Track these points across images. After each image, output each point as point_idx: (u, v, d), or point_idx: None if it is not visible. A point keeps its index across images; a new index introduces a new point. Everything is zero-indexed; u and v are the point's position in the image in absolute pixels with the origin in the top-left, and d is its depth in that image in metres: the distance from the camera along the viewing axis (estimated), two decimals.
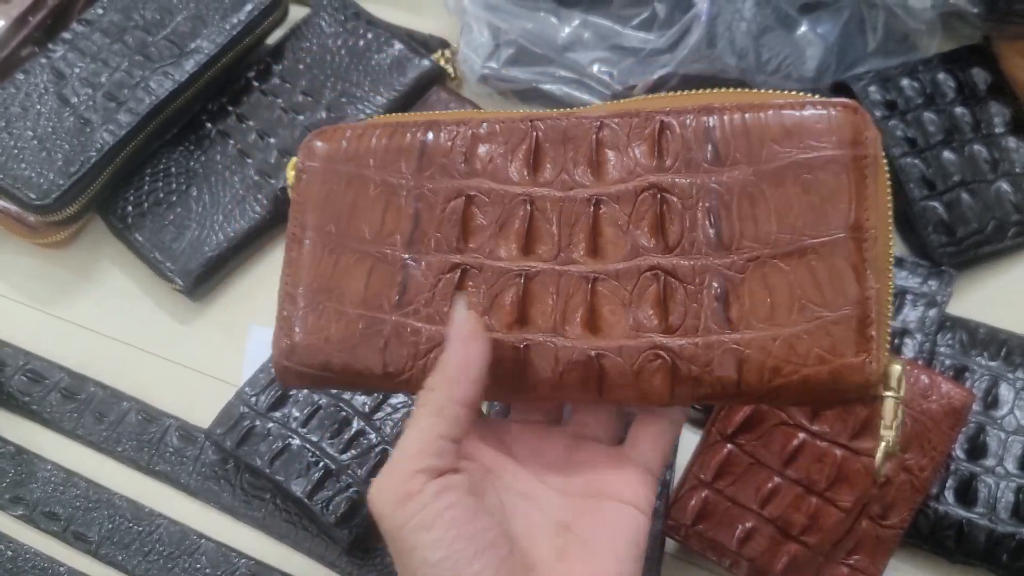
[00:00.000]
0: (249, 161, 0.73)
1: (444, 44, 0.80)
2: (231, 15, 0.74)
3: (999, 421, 0.57)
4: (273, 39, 0.78)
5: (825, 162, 0.37)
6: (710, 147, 0.39)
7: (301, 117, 0.73)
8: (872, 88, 0.67)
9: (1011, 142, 0.67)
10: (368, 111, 0.73)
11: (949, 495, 0.56)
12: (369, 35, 0.77)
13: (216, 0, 0.74)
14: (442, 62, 0.78)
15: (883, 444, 0.38)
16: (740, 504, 0.55)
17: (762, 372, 0.37)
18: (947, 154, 0.66)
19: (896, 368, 0.37)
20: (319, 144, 0.45)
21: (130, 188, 0.72)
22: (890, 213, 0.38)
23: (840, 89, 0.69)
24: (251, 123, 0.74)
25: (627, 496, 0.41)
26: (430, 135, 0.43)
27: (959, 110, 0.68)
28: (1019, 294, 0.65)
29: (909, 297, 0.62)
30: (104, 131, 0.69)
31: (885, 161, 0.38)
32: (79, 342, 0.71)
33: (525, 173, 0.41)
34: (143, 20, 0.74)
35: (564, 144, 0.41)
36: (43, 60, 0.73)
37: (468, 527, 0.36)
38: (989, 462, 0.56)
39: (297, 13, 0.80)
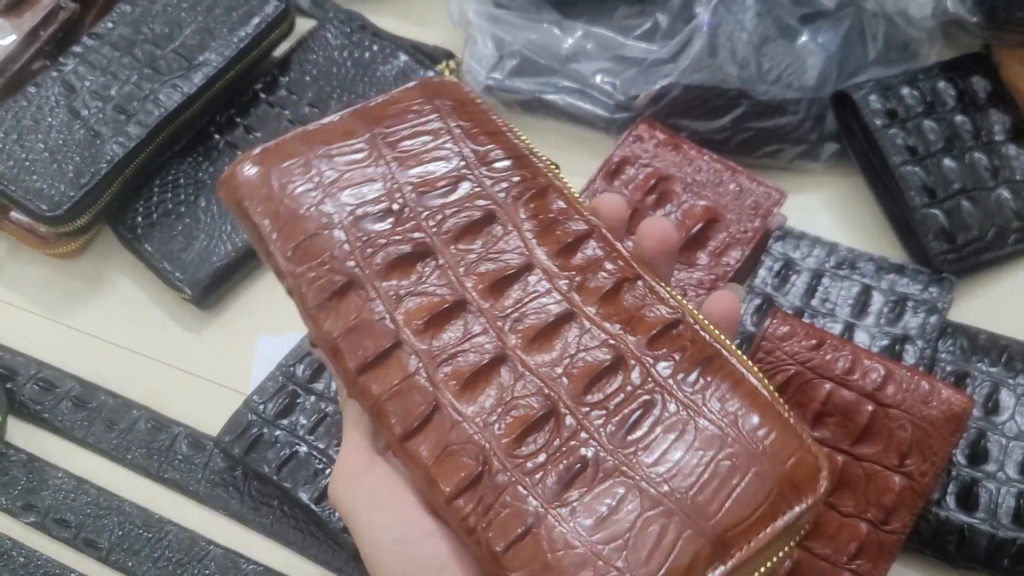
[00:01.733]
0: None
1: (449, 55, 0.81)
2: (239, 28, 0.75)
3: (1000, 427, 0.58)
4: (280, 51, 0.80)
5: (760, 472, 0.33)
6: (693, 369, 0.36)
7: None
8: (872, 97, 0.68)
9: (1011, 150, 0.68)
10: None
11: (950, 500, 0.56)
12: (375, 47, 0.78)
13: (224, 14, 0.75)
14: (447, 73, 0.79)
15: None
16: None
17: (532, 558, 0.32)
18: (947, 162, 0.67)
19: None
20: (450, 87, 0.44)
21: (139, 199, 0.73)
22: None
23: (840, 98, 0.70)
24: (258, 134, 0.75)
25: None
26: (516, 162, 0.42)
27: (959, 118, 0.68)
28: (1020, 300, 0.66)
29: (910, 304, 0.63)
30: (114, 143, 0.70)
31: (792, 547, 0.34)
32: (90, 351, 0.72)
33: (554, 246, 0.39)
34: (152, 34, 0.75)
35: (601, 255, 0.39)
36: (54, 73, 0.74)
37: (417, 507, 0.36)
38: (990, 467, 0.56)
39: (304, 25, 0.81)
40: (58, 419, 0.68)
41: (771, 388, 0.35)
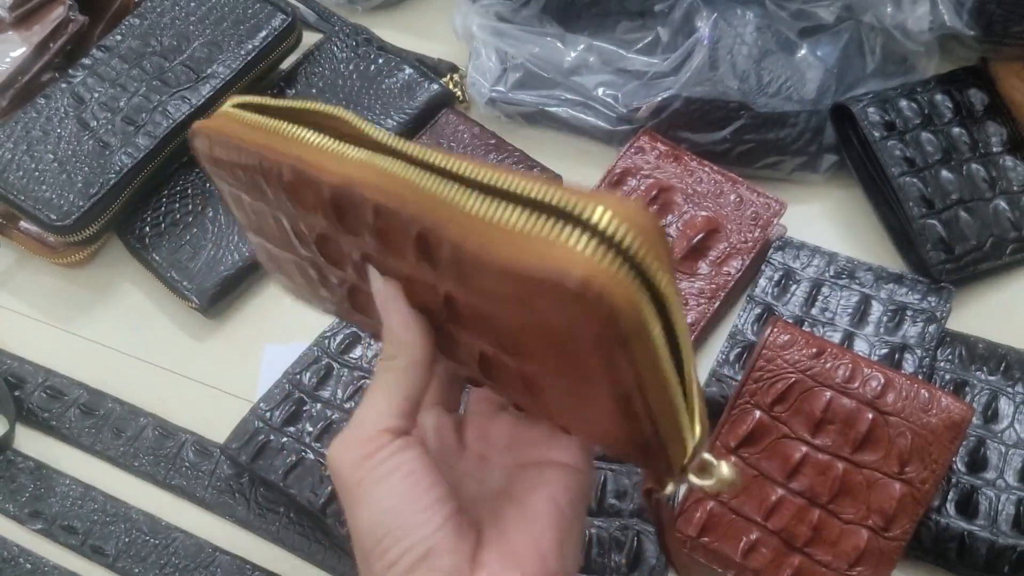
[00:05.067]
0: None
1: (453, 68, 0.82)
2: (246, 41, 0.76)
3: (999, 434, 0.58)
4: (287, 64, 0.80)
5: (565, 338, 0.29)
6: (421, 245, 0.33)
7: None
8: (871, 109, 0.69)
9: (1008, 161, 0.69)
10: None
11: (951, 507, 0.57)
12: (380, 60, 0.79)
13: (232, 27, 0.76)
14: (451, 86, 0.79)
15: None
16: (744, 516, 0.56)
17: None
18: (945, 173, 0.68)
19: (724, 469, 0.33)
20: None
21: (147, 209, 0.74)
22: (669, 332, 0.29)
23: (839, 111, 0.71)
24: None
25: (564, 457, 0.41)
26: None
27: (956, 130, 0.69)
28: (1017, 309, 0.67)
29: (909, 313, 0.63)
30: (123, 154, 0.71)
31: (662, 269, 0.28)
32: (97, 359, 0.72)
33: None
34: (160, 46, 0.76)
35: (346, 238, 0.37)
36: (63, 85, 0.75)
37: (423, 480, 0.37)
38: (990, 475, 0.57)
39: (310, 39, 0.82)
40: (66, 426, 0.69)
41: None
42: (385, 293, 0.38)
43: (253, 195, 0.41)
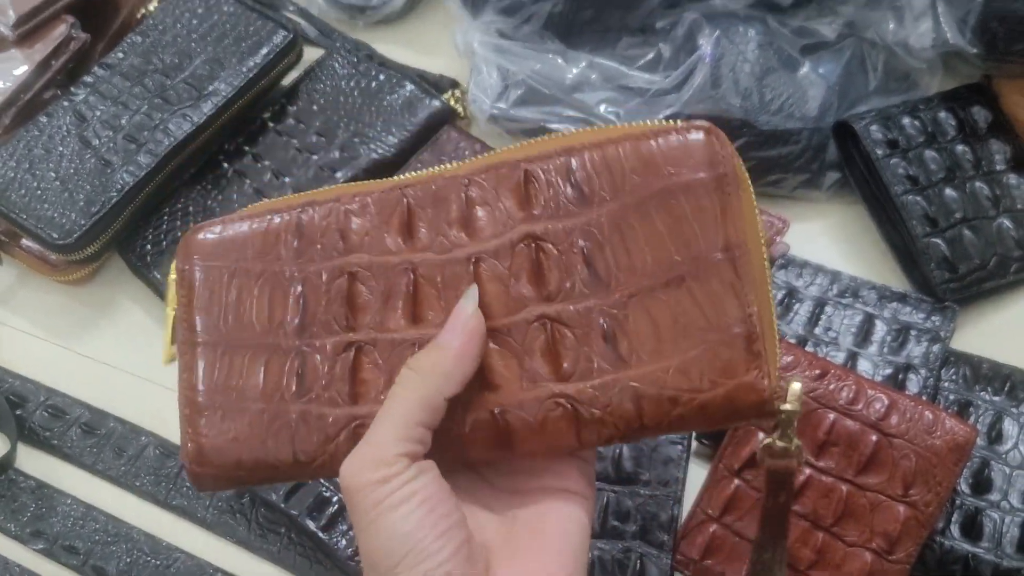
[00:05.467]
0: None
1: (454, 84, 0.82)
2: (247, 58, 0.76)
3: (1003, 456, 0.58)
4: (288, 80, 0.80)
5: (686, 186, 0.37)
6: (574, 188, 0.39)
7: (315, 157, 0.75)
8: (874, 127, 0.69)
9: (1012, 179, 0.68)
10: (380, 150, 0.75)
11: (955, 529, 0.56)
12: (381, 76, 0.79)
13: (233, 44, 0.76)
14: (452, 102, 0.79)
15: (779, 442, 0.38)
16: (748, 539, 0.55)
17: (660, 404, 0.37)
18: (949, 191, 0.67)
19: (795, 386, 0.36)
20: (198, 238, 0.43)
21: (149, 227, 0.74)
22: (759, 226, 0.38)
23: (841, 128, 0.71)
24: (267, 163, 0.76)
25: (569, 485, 0.41)
26: (303, 216, 0.42)
27: (960, 148, 0.69)
28: (1022, 328, 0.66)
29: (913, 332, 0.63)
30: (124, 172, 0.71)
31: (747, 176, 0.39)
32: (99, 378, 0.72)
33: (401, 241, 0.41)
34: (162, 64, 0.76)
35: (436, 207, 0.41)
36: (65, 103, 0.75)
37: (439, 507, 0.37)
38: (994, 497, 0.57)
39: (311, 55, 0.82)
40: (67, 446, 0.69)
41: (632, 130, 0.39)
42: (472, 318, 0.38)
43: (251, 276, 0.42)
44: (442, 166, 0.42)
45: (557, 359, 0.38)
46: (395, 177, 0.43)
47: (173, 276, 0.44)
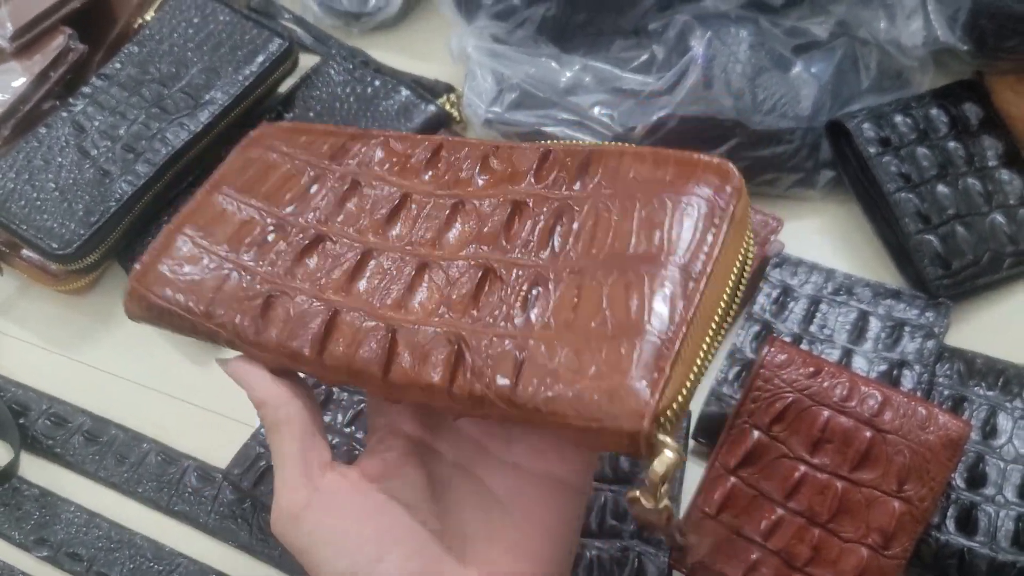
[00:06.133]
0: None
1: (449, 89, 0.82)
2: (244, 67, 0.76)
3: (998, 450, 0.58)
4: (284, 87, 0.81)
5: (678, 197, 0.37)
6: (579, 174, 0.40)
7: None
8: (866, 125, 0.69)
9: (1004, 175, 0.69)
10: None
11: (950, 524, 0.57)
12: (377, 82, 0.79)
13: (229, 52, 0.77)
14: (448, 107, 0.80)
15: (644, 497, 0.33)
16: (745, 537, 0.56)
17: (538, 375, 0.34)
18: (941, 188, 0.68)
19: (668, 453, 0.32)
20: (274, 125, 0.51)
21: (148, 236, 0.75)
22: (736, 274, 0.37)
23: (834, 127, 0.71)
24: None
25: (566, 474, 0.40)
26: (353, 140, 0.48)
27: (952, 144, 0.70)
28: (1016, 324, 0.67)
29: (907, 329, 0.63)
30: (123, 182, 0.72)
31: (750, 229, 0.38)
32: (100, 386, 0.73)
33: (414, 173, 0.45)
34: (159, 73, 0.76)
35: (462, 156, 0.44)
36: (64, 114, 0.75)
37: (366, 528, 0.37)
38: (989, 491, 0.57)
39: (307, 62, 0.82)
40: (70, 453, 0.69)
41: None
42: (239, 367, 0.42)
43: (286, 160, 0.48)
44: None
45: (475, 302, 0.38)
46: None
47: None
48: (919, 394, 0.60)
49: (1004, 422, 0.59)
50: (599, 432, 0.33)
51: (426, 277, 0.40)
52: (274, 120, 0.78)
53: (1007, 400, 0.60)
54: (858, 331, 0.64)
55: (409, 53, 0.86)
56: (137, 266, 0.46)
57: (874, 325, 0.64)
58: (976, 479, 0.58)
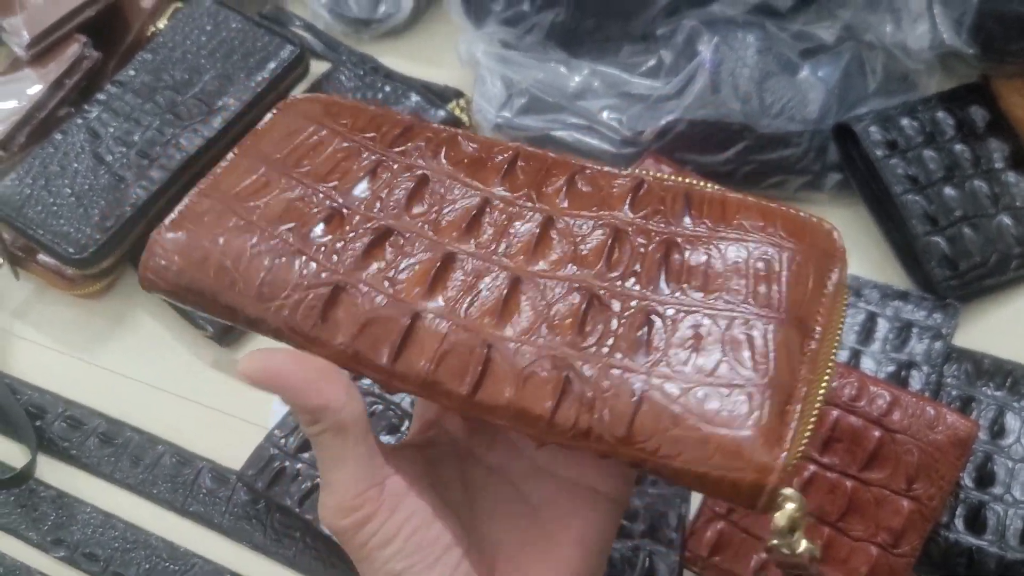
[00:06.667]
0: None
1: (459, 94, 0.83)
2: (256, 73, 0.77)
3: (1006, 449, 0.59)
4: (296, 93, 0.82)
5: (791, 255, 0.36)
6: (685, 209, 0.38)
7: None
8: (873, 128, 0.70)
9: (1011, 177, 0.69)
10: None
11: (959, 523, 0.57)
12: (387, 88, 0.80)
13: (242, 59, 0.78)
14: (457, 111, 0.81)
15: (782, 544, 0.32)
16: (755, 535, 0.56)
17: (660, 417, 0.32)
18: (948, 190, 0.68)
19: (790, 505, 0.31)
20: (316, 96, 0.45)
21: None
22: (838, 342, 0.36)
23: (841, 130, 0.72)
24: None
25: (604, 484, 0.39)
26: (417, 122, 0.43)
27: (959, 147, 0.70)
28: (1023, 324, 0.67)
29: (915, 330, 0.64)
30: (137, 187, 0.73)
31: (846, 300, 0.37)
32: (115, 389, 0.74)
33: (489, 178, 0.40)
34: (173, 80, 0.77)
35: (544, 169, 0.40)
36: (79, 120, 0.76)
37: (428, 534, 0.36)
38: (997, 490, 0.57)
39: (318, 68, 0.83)
40: (86, 455, 0.70)
41: (746, 194, 0.39)
42: (286, 371, 0.35)
43: (335, 137, 0.42)
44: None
45: (582, 329, 0.35)
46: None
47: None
48: (927, 394, 0.61)
49: (1012, 422, 0.60)
50: (718, 481, 0.32)
51: (521, 293, 0.36)
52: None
53: (1015, 400, 0.61)
54: (866, 332, 0.65)
55: (419, 59, 0.87)
56: (163, 231, 0.39)
57: (882, 326, 0.65)
58: (984, 478, 0.58)
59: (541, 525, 0.39)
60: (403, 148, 0.41)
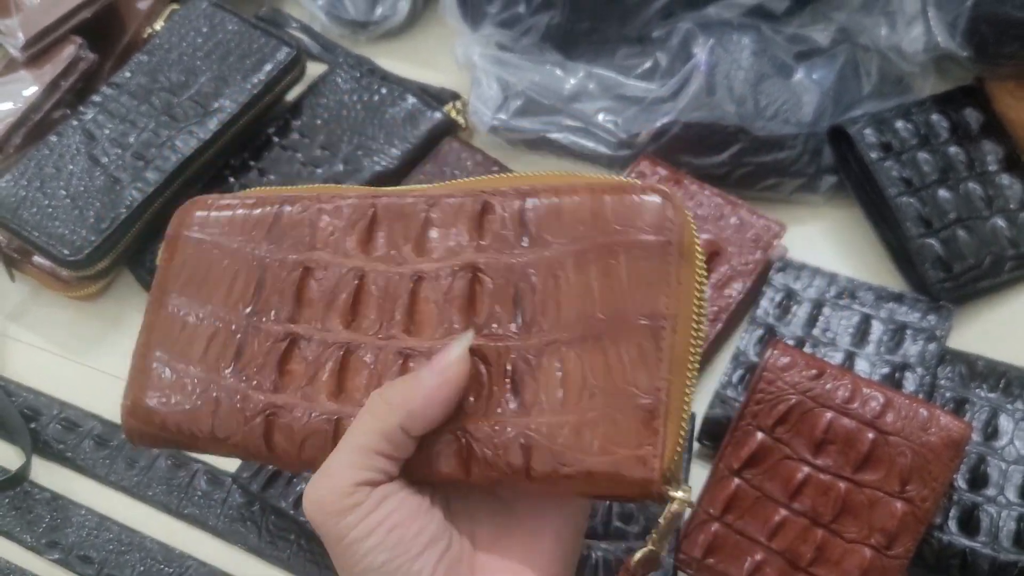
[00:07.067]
0: None
1: (455, 96, 0.83)
2: (252, 75, 0.77)
3: (999, 451, 0.59)
4: (292, 95, 0.82)
5: (627, 246, 0.36)
6: (523, 227, 0.39)
7: (319, 170, 0.77)
8: (868, 131, 0.70)
9: (1005, 179, 0.69)
10: (383, 163, 0.77)
11: (952, 524, 0.57)
12: (383, 90, 0.80)
13: (238, 61, 0.78)
14: (453, 114, 0.81)
15: (642, 551, 0.36)
16: (749, 537, 0.56)
17: (548, 459, 0.35)
18: (942, 192, 0.68)
19: (679, 494, 0.35)
20: (193, 211, 0.47)
21: (158, 242, 0.75)
22: (698, 304, 0.37)
23: (836, 133, 0.72)
24: (272, 177, 0.78)
25: None
26: (286, 208, 0.44)
27: (953, 149, 0.70)
28: (1017, 327, 0.67)
29: (909, 332, 0.64)
30: (133, 189, 0.73)
31: (699, 252, 0.37)
32: (110, 391, 0.73)
33: (359, 247, 0.42)
34: (168, 82, 0.77)
35: (399, 221, 0.42)
36: (75, 122, 0.76)
37: (410, 527, 0.36)
38: (990, 492, 0.58)
39: (314, 70, 0.83)
40: (81, 457, 0.70)
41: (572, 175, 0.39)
42: (457, 363, 0.37)
43: (225, 253, 0.45)
44: (422, 185, 0.43)
45: (465, 392, 0.38)
46: (380, 188, 0.44)
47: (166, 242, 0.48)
48: (921, 396, 0.61)
49: (1005, 424, 0.60)
50: (615, 496, 0.36)
51: (411, 369, 0.39)
52: (282, 127, 0.79)
53: (1008, 402, 0.61)
54: (861, 334, 0.65)
55: (415, 61, 0.87)
56: (126, 402, 0.45)
57: (876, 328, 0.65)
58: (978, 480, 0.58)
59: (519, 520, 0.40)
60: (281, 240, 0.44)
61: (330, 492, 0.36)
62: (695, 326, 0.36)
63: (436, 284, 0.40)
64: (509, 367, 0.37)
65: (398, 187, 0.44)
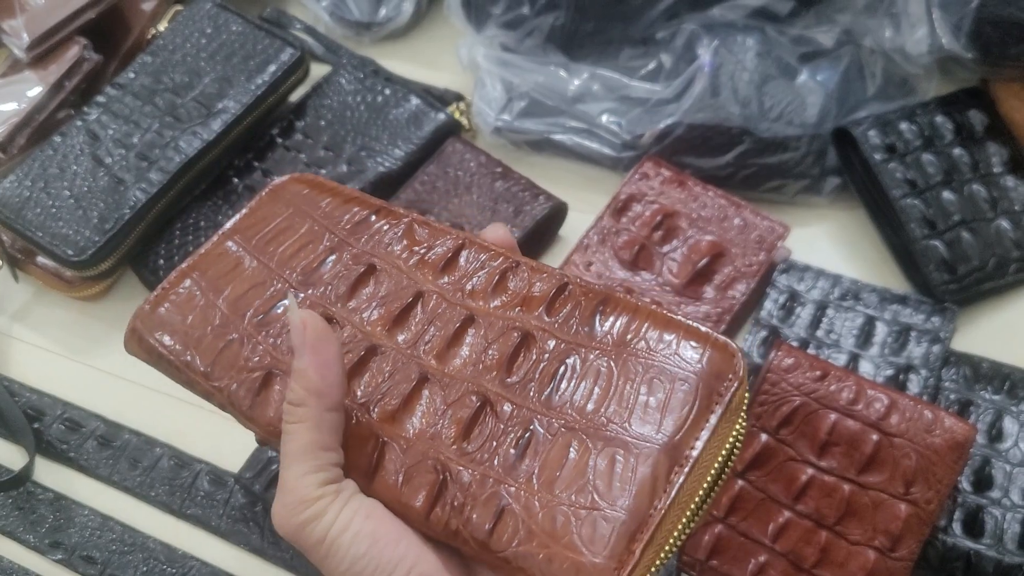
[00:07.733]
0: None
1: (459, 97, 0.83)
2: (256, 76, 0.77)
3: (1004, 453, 0.59)
4: (296, 96, 0.82)
5: (681, 377, 0.37)
6: (592, 319, 0.39)
7: (323, 171, 0.77)
8: (872, 132, 0.70)
9: (1009, 181, 0.69)
10: (387, 163, 0.77)
11: (957, 527, 0.57)
12: (387, 91, 0.80)
13: (242, 62, 0.78)
14: (457, 115, 0.81)
15: None
16: (752, 539, 0.56)
17: (515, 530, 0.35)
18: (947, 194, 0.68)
19: None
20: (295, 184, 0.49)
21: (161, 242, 0.76)
22: (719, 466, 0.37)
23: (840, 134, 0.72)
24: (275, 177, 0.77)
25: None
26: (375, 214, 0.46)
27: (957, 151, 0.70)
28: (1021, 328, 0.67)
29: (913, 334, 0.64)
30: (136, 189, 0.73)
31: (743, 414, 0.38)
32: (113, 391, 0.74)
33: (430, 271, 0.43)
34: (172, 83, 0.77)
35: (484, 255, 0.43)
36: (79, 123, 0.76)
37: (384, 514, 0.37)
38: (995, 494, 0.57)
39: (318, 71, 0.83)
40: (83, 458, 0.70)
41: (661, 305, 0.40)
42: (309, 329, 0.38)
43: (305, 222, 0.47)
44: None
45: (467, 433, 0.38)
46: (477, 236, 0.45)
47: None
48: (925, 398, 0.61)
49: (1010, 426, 0.60)
50: None
51: (424, 393, 0.39)
52: (286, 128, 0.79)
53: (1013, 404, 0.61)
54: (865, 336, 0.65)
55: (419, 62, 0.87)
56: (144, 306, 0.46)
57: (880, 330, 0.65)
58: (982, 482, 0.58)
59: None
60: (361, 235, 0.45)
61: (294, 504, 0.36)
62: (709, 480, 0.36)
63: (486, 330, 0.40)
64: (524, 432, 0.37)
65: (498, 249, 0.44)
